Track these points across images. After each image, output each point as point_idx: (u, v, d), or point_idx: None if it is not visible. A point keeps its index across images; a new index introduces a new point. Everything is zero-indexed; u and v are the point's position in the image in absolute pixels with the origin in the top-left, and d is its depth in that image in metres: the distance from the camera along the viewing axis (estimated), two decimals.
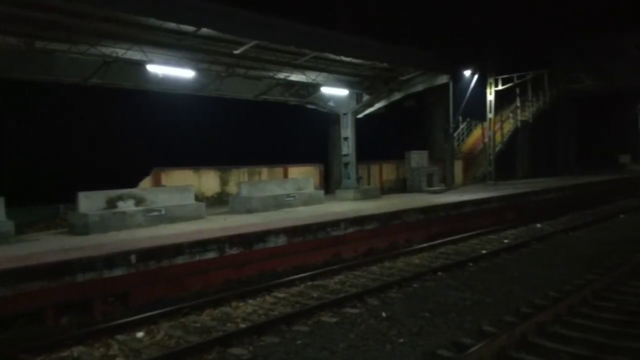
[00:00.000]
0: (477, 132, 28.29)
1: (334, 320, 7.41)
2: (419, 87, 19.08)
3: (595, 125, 39.80)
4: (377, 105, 19.49)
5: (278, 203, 15.25)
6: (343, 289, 9.27)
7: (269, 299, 8.82)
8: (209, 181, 17.14)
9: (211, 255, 9.73)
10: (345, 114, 18.29)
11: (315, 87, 17.89)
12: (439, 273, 10.08)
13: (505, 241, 13.26)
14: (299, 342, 6.57)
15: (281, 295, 8.99)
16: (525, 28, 29.41)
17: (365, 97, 18.34)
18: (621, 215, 17.50)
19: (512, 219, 16.62)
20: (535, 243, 12.81)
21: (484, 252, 11.73)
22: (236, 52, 13.44)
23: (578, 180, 25.18)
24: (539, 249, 12.18)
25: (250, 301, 8.64)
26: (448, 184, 21.32)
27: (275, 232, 10.90)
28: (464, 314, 7.52)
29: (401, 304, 8.15)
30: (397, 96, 19.27)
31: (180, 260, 9.26)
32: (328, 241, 11.86)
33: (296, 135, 25.43)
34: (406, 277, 9.67)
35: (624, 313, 7.30)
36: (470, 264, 10.77)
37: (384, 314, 7.61)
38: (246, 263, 10.24)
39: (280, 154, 21.80)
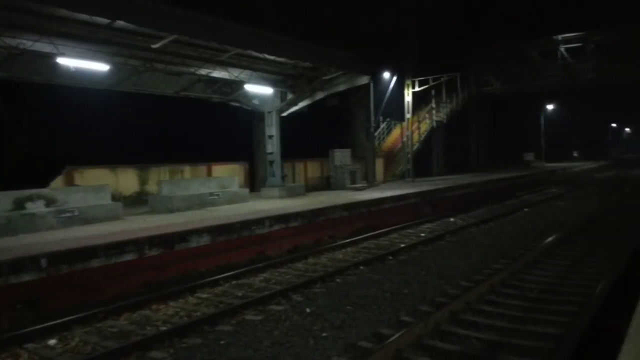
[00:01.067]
0: (396, 132, 29.45)
1: (259, 318, 7.42)
2: (341, 87, 19.53)
3: (503, 125, 42.77)
4: (301, 104, 19.67)
5: (201, 202, 14.98)
6: (268, 286, 9.29)
7: (191, 300, 8.67)
8: (127, 180, 16.46)
9: (129, 257, 9.38)
10: (269, 112, 18.28)
11: (238, 84, 17.72)
12: (361, 267, 10.40)
13: (422, 235, 13.92)
14: (222, 342, 6.53)
15: (204, 295, 8.86)
16: (441, 33, 31.00)
17: (290, 96, 18.45)
18: (525, 209, 18.91)
19: (429, 214, 17.47)
20: (449, 236, 13.57)
21: (402, 245, 12.25)
22: (154, 46, 13.00)
23: (488, 177, 26.88)
24: (452, 242, 12.92)
25: (172, 303, 8.44)
26: (370, 181, 21.98)
27: (198, 232, 10.71)
28: (384, 306, 7.83)
29: (324, 298, 8.32)
30: (320, 95, 19.57)
31: (95, 263, 8.84)
32: (253, 239, 11.83)
33: (220, 133, 25.01)
34: (330, 272, 9.87)
35: (527, 299, 7.96)
36: (390, 258, 11.21)
37: (308, 310, 7.74)
38: (168, 264, 9.97)
39: (204, 152, 21.36)
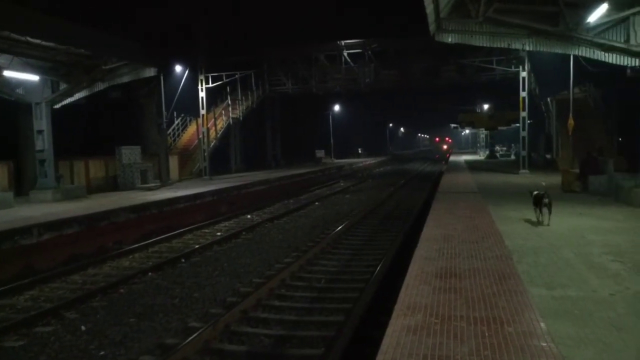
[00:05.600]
0: (192, 128, 28.56)
1: (20, 343, 6.44)
2: (125, 78, 17.95)
3: (297, 123, 45.23)
4: (78, 95, 17.49)
5: None
6: (35, 305, 8.09)
7: None
8: None
9: None
10: (38, 103, 15.83)
11: None
12: (149, 274, 9.67)
13: (218, 234, 13.64)
14: None
15: None
16: (235, 30, 31.12)
17: (63, 86, 16.23)
18: (316, 203, 20.07)
19: (226, 212, 17.26)
20: (245, 233, 13.56)
21: (196, 246, 11.80)
22: None
23: (284, 173, 27.95)
24: (248, 239, 12.94)
25: None
26: (163, 180, 20.81)
27: None
28: (172, 313, 7.41)
29: (104, 313, 7.57)
30: (101, 86, 17.67)
31: None
32: (15, 252, 10.06)
33: None
34: (112, 282, 9.00)
35: (314, 290, 8.31)
36: (183, 260, 10.68)
37: (83, 327, 6.97)
38: None
39: None
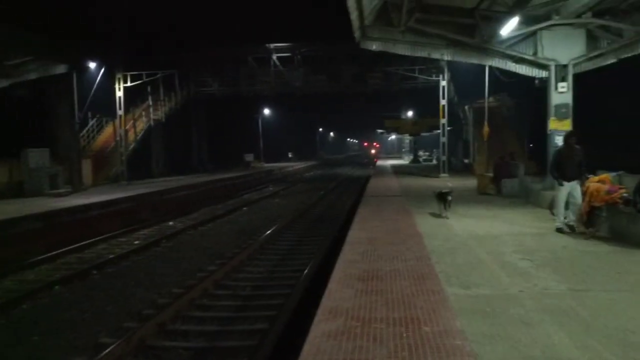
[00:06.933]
0: (109, 130, 26.90)
1: None
2: (33, 75, 16.65)
3: (225, 126, 44.31)
4: None
5: None
6: None
7: None
8: None
9: None
10: None
11: None
12: (57, 287, 8.93)
13: (136, 242, 12.89)
14: None
15: None
16: (159, 27, 29.96)
17: None
18: (244, 208, 19.60)
19: (146, 219, 16.39)
20: (165, 241, 12.88)
21: (111, 256, 11.04)
22: None
23: (210, 177, 27.24)
24: (168, 247, 12.34)
25: None
26: (75, 186, 19.45)
27: None
28: (81, 329, 6.88)
29: (4, 332, 6.92)
30: (5, 83, 16.25)
31: None
32: None
33: None
34: (13, 298, 8.20)
35: (238, 298, 8.03)
36: (95, 272, 9.96)
37: None
38: None
39: None
